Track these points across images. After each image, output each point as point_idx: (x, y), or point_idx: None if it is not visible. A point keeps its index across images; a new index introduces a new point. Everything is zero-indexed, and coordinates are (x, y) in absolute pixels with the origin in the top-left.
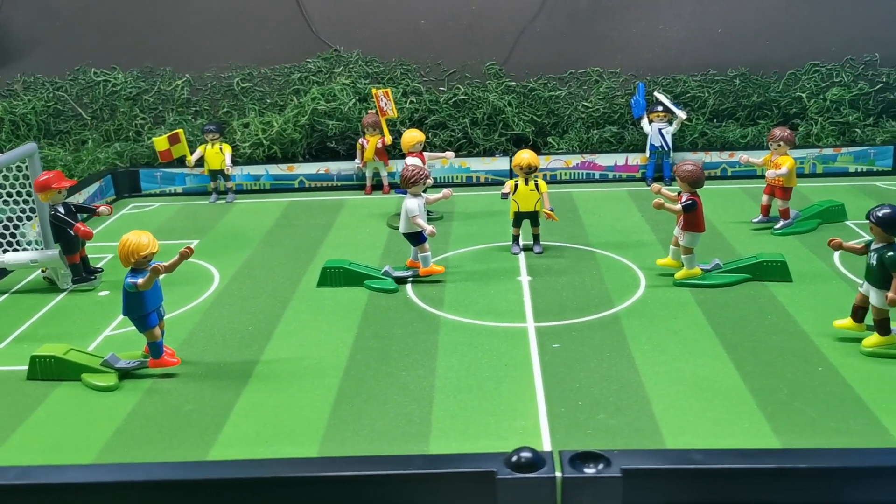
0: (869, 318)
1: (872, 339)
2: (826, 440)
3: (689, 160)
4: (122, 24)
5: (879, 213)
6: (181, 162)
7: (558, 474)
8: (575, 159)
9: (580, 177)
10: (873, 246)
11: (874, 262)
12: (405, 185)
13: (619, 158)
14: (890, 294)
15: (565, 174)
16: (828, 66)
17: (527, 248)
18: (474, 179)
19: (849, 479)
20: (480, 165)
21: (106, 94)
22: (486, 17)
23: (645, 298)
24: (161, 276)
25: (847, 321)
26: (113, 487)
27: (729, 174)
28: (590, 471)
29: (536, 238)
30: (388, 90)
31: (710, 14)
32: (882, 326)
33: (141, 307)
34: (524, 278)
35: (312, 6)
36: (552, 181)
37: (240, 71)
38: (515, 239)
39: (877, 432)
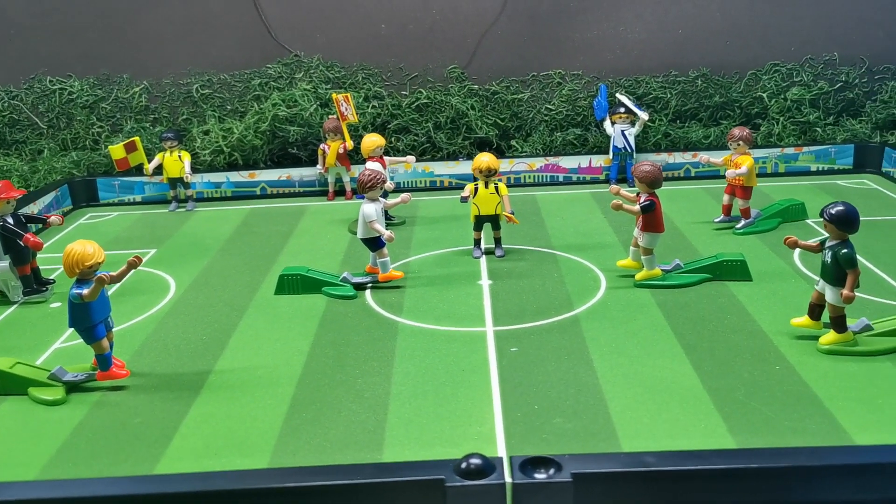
0: (826, 316)
1: (829, 337)
2: (781, 439)
3: (646, 161)
4: (78, 32)
5: (833, 211)
6: (139, 170)
7: (508, 480)
8: (539, 162)
9: (544, 179)
10: (828, 244)
11: (829, 260)
12: (362, 190)
13: (582, 160)
14: (845, 291)
15: (529, 177)
16: (788, 66)
17: (489, 252)
18: (438, 183)
19: (800, 478)
20: (444, 169)
21: (62, 103)
22: (447, 20)
23: (605, 300)
24: (109, 286)
25: (804, 319)
26: None
27: (692, 174)
28: (541, 476)
29: (498, 241)
30: (349, 95)
31: (670, 15)
32: (838, 324)
33: (87, 318)
34: (485, 282)
35: (271, 11)
36: (516, 184)
37: (199, 77)
38: (477, 242)
39: (832, 430)
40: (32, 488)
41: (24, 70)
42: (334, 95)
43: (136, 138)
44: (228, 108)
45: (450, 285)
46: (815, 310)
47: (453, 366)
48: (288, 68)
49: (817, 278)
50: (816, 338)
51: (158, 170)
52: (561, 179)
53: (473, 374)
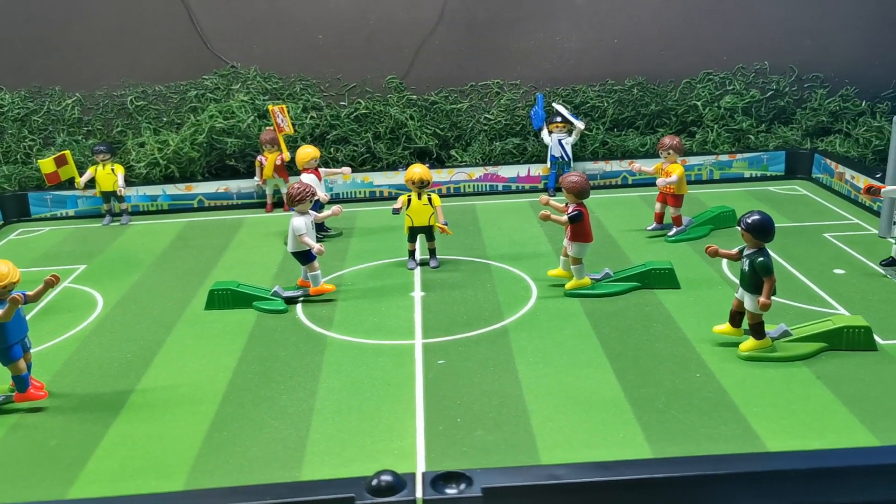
0: (747, 323)
1: (748, 344)
2: (697, 447)
3: (574, 171)
4: (8, 43)
5: (749, 220)
6: (71, 184)
7: (419, 496)
8: (478, 172)
9: (484, 189)
10: (745, 252)
11: (746, 268)
12: (291, 203)
13: (521, 170)
14: (762, 299)
15: (469, 187)
16: (721, 75)
17: (423, 263)
18: (377, 194)
19: (706, 484)
20: (383, 180)
21: None
22: (384, 30)
23: (535, 310)
24: (28, 306)
25: (726, 326)
26: None
27: (630, 182)
28: (451, 491)
29: (433, 252)
30: (284, 106)
31: (606, 25)
32: (756, 331)
33: (2, 339)
34: (417, 294)
35: (207, 22)
36: (456, 194)
37: (133, 89)
38: (411, 254)
39: (746, 436)
40: None
41: None
42: (270, 107)
43: (67, 152)
44: (164, 119)
45: (382, 298)
46: (736, 317)
47: (379, 380)
48: (225, 79)
49: (738, 286)
50: (737, 344)
51: (91, 183)
52: (500, 189)
53: (399, 388)
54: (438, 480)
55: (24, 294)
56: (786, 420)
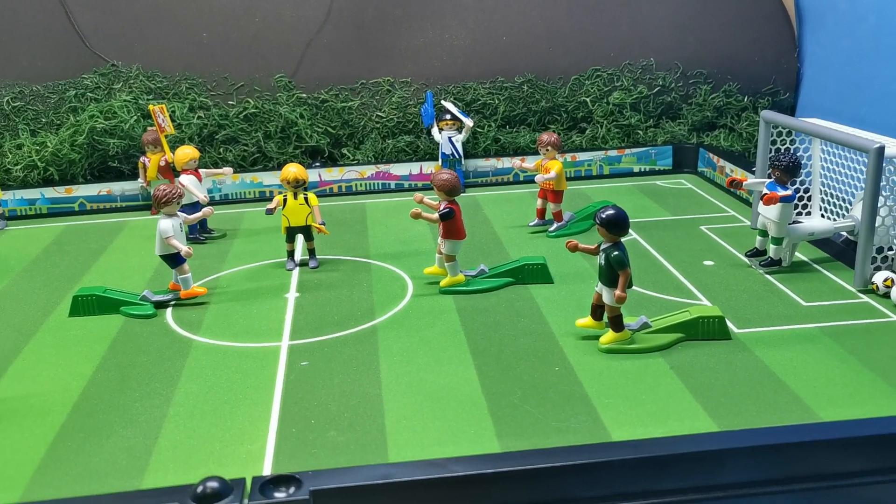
0: (607, 316)
1: (608, 337)
2: (546, 439)
3: (445, 170)
4: None
5: (603, 215)
6: None
7: (246, 502)
8: (370, 170)
9: (376, 187)
10: (602, 246)
11: (603, 262)
12: (157, 205)
13: (413, 167)
14: (617, 292)
15: (361, 185)
16: (609, 71)
17: (303, 264)
18: (267, 194)
19: (536, 477)
20: (273, 180)
21: None
22: (271, 28)
23: (408, 308)
24: None
25: (587, 320)
26: None
27: (521, 179)
28: (280, 495)
29: (312, 252)
30: (163, 106)
31: (493, 22)
32: (615, 323)
33: None
34: (292, 295)
35: (84, 19)
36: (348, 192)
37: (9, 89)
38: (290, 254)
39: (594, 427)
40: None
41: None
42: (151, 107)
43: None
44: (43, 120)
45: (255, 300)
46: (597, 310)
47: (239, 383)
48: (105, 78)
49: (598, 280)
50: (599, 337)
51: None
52: (393, 187)
53: (257, 391)
54: (267, 485)
55: None
56: (633, 410)
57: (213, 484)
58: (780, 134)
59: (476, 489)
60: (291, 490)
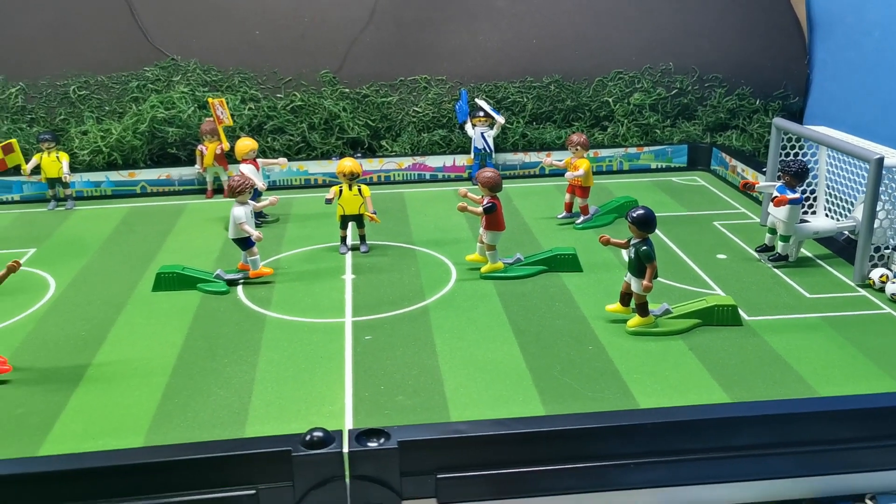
0: (634, 303)
1: (635, 321)
2: (583, 406)
3: (489, 168)
4: None
5: (634, 215)
6: (18, 171)
7: (346, 449)
8: (407, 161)
9: (412, 177)
10: (632, 241)
11: (633, 256)
12: (231, 195)
13: (447, 160)
14: (645, 282)
15: (398, 175)
16: (630, 74)
17: (354, 248)
18: (312, 182)
19: (584, 436)
20: (317, 168)
21: None
22: (318, 27)
23: (453, 291)
24: None
25: (616, 305)
26: None
27: (547, 172)
28: (372, 444)
29: (363, 238)
30: (223, 100)
31: (524, 26)
32: (642, 309)
33: None
34: (348, 276)
35: (147, 16)
36: (386, 182)
37: (76, 79)
38: (343, 240)
39: (624, 398)
40: None
41: None
42: (210, 100)
43: (13, 140)
44: (107, 109)
45: (316, 280)
46: (625, 297)
47: (312, 353)
48: (165, 71)
49: (627, 271)
50: (626, 321)
51: (37, 170)
52: (428, 178)
53: (330, 361)
54: (361, 436)
55: None
56: (658, 385)
57: (318, 433)
58: (790, 140)
59: (533, 445)
60: (382, 441)
